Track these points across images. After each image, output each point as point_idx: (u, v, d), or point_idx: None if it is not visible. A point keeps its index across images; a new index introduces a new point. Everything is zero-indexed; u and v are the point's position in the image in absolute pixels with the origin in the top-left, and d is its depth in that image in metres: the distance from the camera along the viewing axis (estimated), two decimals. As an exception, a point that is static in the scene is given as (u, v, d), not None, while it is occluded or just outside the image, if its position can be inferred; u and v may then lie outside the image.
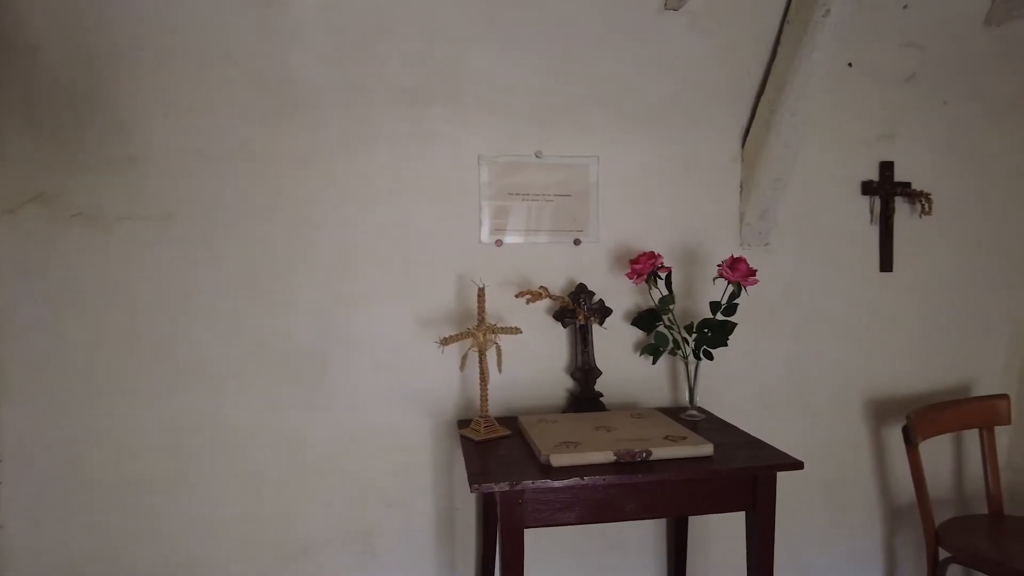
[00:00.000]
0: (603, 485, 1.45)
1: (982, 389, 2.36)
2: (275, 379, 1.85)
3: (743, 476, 1.53)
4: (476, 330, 1.74)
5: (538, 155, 1.98)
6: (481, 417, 1.76)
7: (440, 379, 1.94)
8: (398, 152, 1.88)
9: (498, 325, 1.78)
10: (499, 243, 1.98)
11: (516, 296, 1.88)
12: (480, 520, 1.98)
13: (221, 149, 1.77)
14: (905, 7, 2.03)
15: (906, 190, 2.21)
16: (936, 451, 2.30)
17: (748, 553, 1.58)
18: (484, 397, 1.77)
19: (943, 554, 2.03)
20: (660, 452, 1.52)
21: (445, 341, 1.73)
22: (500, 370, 1.77)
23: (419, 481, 1.95)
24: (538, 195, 2.00)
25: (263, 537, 1.86)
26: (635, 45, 1.97)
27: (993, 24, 2.13)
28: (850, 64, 2.09)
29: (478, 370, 1.77)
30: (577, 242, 2.03)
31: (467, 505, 1.99)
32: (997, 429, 2.22)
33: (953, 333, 2.34)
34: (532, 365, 1.99)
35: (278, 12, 1.78)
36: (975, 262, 2.34)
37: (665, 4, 1.92)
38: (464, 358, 1.76)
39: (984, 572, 1.95)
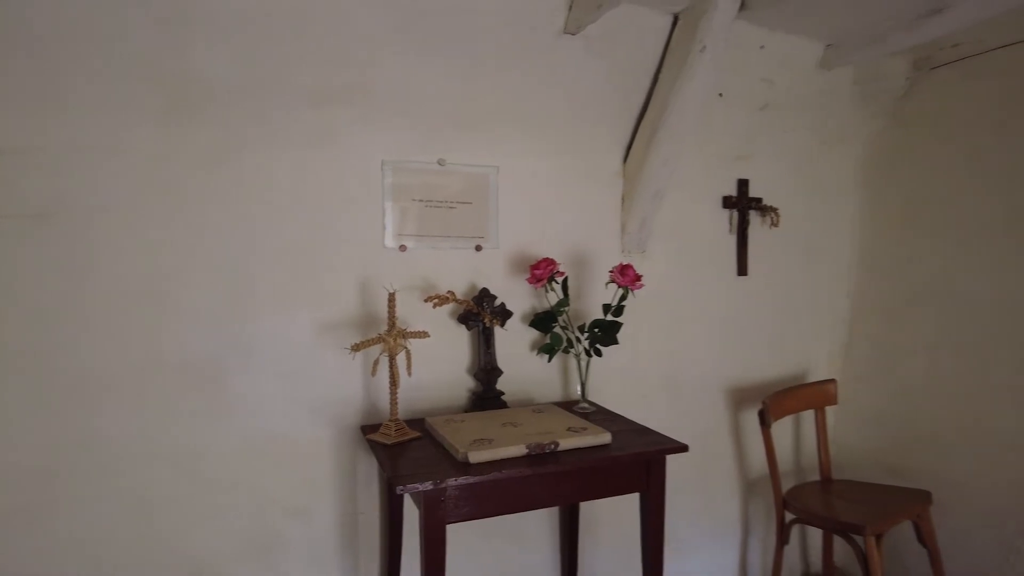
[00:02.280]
0: (519, 477, 1.55)
1: (815, 376, 2.78)
2: (166, 390, 1.73)
3: (638, 460, 1.70)
4: (387, 335, 1.77)
5: (441, 163, 2.03)
6: (391, 421, 1.78)
7: (342, 385, 1.93)
8: (302, 154, 1.84)
9: (407, 330, 1.83)
10: (403, 248, 2.01)
11: (425, 300, 1.92)
12: (385, 523, 2.00)
13: (109, 145, 1.63)
14: (762, 47, 2.34)
15: (758, 204, 2.55)
16: (781, 430, 2.67)
17: (643, 530, 1.75)
18: (394, 401, 1.80)
19: (789, 516, 2.37)
20: (566, 443, 1.65)
21: (356, 347, 1.74)
22: (410, 374, 1.81)
23: (322, 489, 1.93)
24: (441, 201, 2.05)
25: (155, 560, 1.74)
26: (536, 63, 2.10)
27: (826, 68, 2.51)
28: (720, 94, 2.37)
29: (388, 375, 1.80)
30: (479, 248, 2.11)
31: (371, 510, 1.99)
32: (828, 409, 2.64)
33: (795, 328, 2.73)
34: (436, 367, 2.04)
35: (180, 3, 1.68)
36: (811, 268, 2.75)
37: (565, 28, 2.07)
38: (376, 363, 1.78)
39: (819, 527, 2.32)
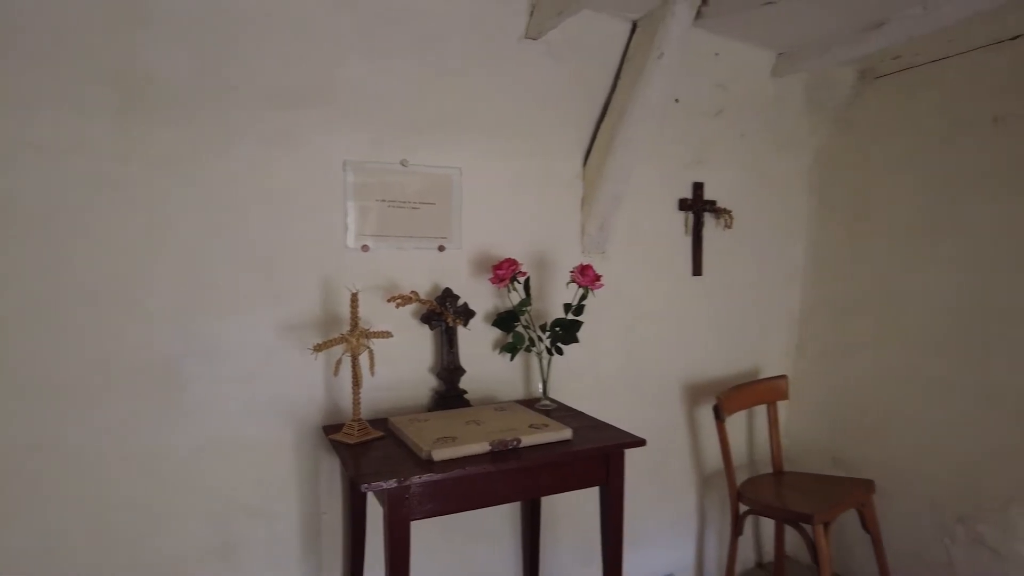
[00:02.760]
0: (482, 473, 1.58)
1: (768, 372, 2.88)
2: (125, 392, 1.70)
3: (597, 455, 1.75)
4: (349, 335, 1.78)
5: (404, 163, 2.05)
6: (354, 421, 1.80)
7: (304, 386, 1.93)
8: (264, 154, 1.83)
9: (370, 330, 1.84)
10: (365, 248, 2.01)
11: (388, 300, 1.93)
12: (347, 523, 2.00)
13: (64, 143, 1.59)
14: (717, 55, 2.42)
15: (713, 207, 2.63)
16: (735, 424, 2.77)
17: (603, 523, 1.80)
18: (357, 401, 1.81)
19: (743, 508, 2.46)
20: (528, 439, 1.69)
21: (319, 347, 1.75)
22: (373, 373, 1.82)
23: (284, 490, 1.92)
24: (404, 202, 2.07)
25: (114, 563, 1.71)
26: (498, 67, 2.13)
27: (778, 76, 2.61)
28: (677, 100, 2.44)
29: (350, 375, 1.81)
30: (441, 248, 2.13)
31: (334, 510, 2.00)
32: (779, 404, 2.74)
33: (748, 326, 2.83)
34: (399, 367, 2.06)
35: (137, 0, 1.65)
36: (763, 267, 2.85)
37: (526, 33, 2.10)
38: (338, 363, 1.78)
39: (771, 517, 2.42)
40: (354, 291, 1.80)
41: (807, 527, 2.25)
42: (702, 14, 2.05)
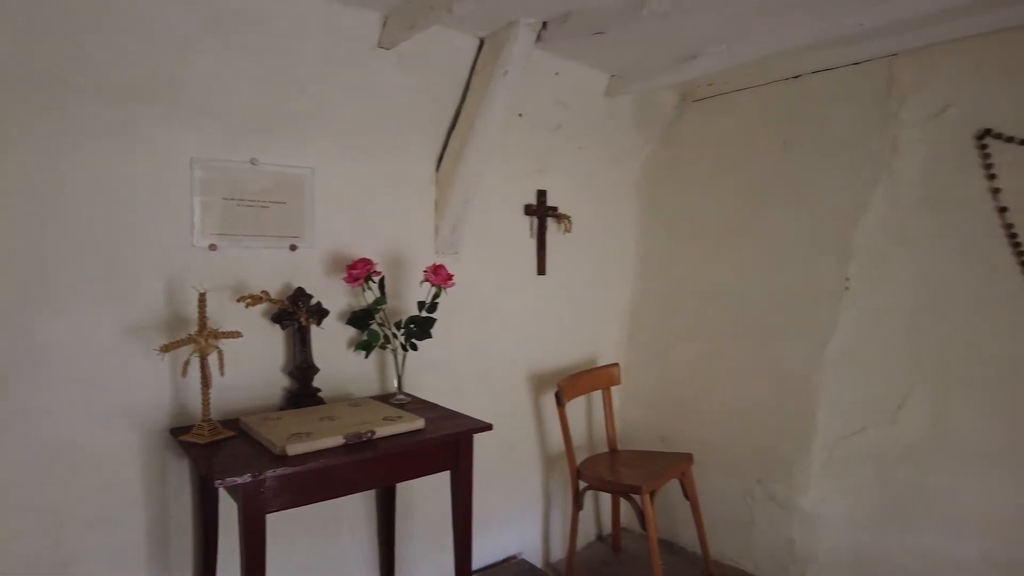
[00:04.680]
0: (337, 465, 1.65)
1: (604, 361, 3.19)
2: (-66, 403, 1.58)
3: (448, 441, 1.89)
4: (198, 335, 1.77)
5: (254, 162, 2.04)
6: (204, 421, 1.79)
7: (150, 388, 1.87)
8: (103, 149, 1.76)
9: (219, 330, 1.83)
10: (213, 247, 1.99)
11: (237, 300, 1.92)
12: (198, 525, 1.97)
13: None
14: (557, 74, 2.65)
15: (554, 212, 2.88)
16: (575, 409, 3.04)
17: (453, 505, 1.94)
18: (206, 402, 1.80)
19: (582, 485, 2.72)
20: (382, 431, 1.78)
21: (165, 348, 1.72)
22: (222, 373, 1.82)
23: (128, 497, 1.85)
24: (254, 201, 2.06)
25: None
26: (351, 73, 2.18)
27: (611, 95, 2.91)
28: (520, 115, 2.64)
29: (199, 375, 1.79)
30: (293, 247, 2.15)
31: (183, 514, 1.96)
32: (613, 389, 3.05)
33: (586, 320, 3.11)
34: (250, 367, 2.05)
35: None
36: (599, 267, 3.16)
37: (379, 43, 2.18)
38: (186, 364, 1.76)
39: (606, 491, 2.70)
40: (202, 291, 1.78)
41: (637, 498, 2.55)
42: (542, 37, 2.25)
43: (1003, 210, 2.22)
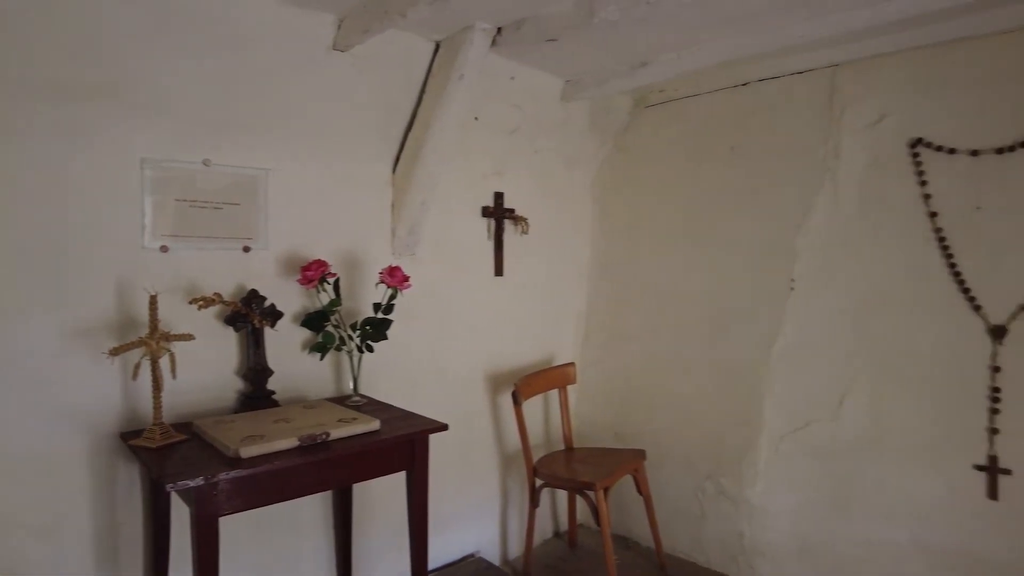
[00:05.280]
0: (291, 467, 1.66)
1: (560, 360, 3.24)
2: None
3: (403, 442, 1.91)
4: (149, 338, 1.75)
5: (207, 163, 2.03)
6: (156, 425, 1.77)
7: (97, 392, 1.84)
8: (50, 148, 1.72)
9: (171, 332, 1.81)
10: (164, 249, 1.97)
11: (190, 302, 1.90)
12: (149, 530, 1.94)
13: None
14: (512, 79, 2.69)
15: (511, 214, 2.92)
16: (533, 408, 3.08)
17: (409, 505, 1.96)
18: (158, 405, 1.78)
19: (539, 482, 2.77)
20: (337, 432, 1.79)
21: (115, 351, 1.70)
22: (175, 376, 1.80)
23: (75, 504, 1.82)
24: (207, 202, 2.04)
25: None
26: (306, 75, 2.18)
27: (566, 100, 2.96)
28: (476, 118, 2.67)
29: (151, 379, 1.77)
30: (247, 249, 2.13)
31: (133, 519, 1.93)
32: (569, 388, 3.11)
33: (543, 320, 3.16)
34: (203, 370, 2.03)
35: None
36: (555, 269, 3.21)
37: (334, 45, 2.18)
38: (137, 367, 1.74)
39: (562, 488, 2.75)
40: (153, 293, 1.76)
41: (591, 494, 2.60)
42: (497, 42, 2.29)
43: (933, 215, 2.35)
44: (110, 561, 1.89)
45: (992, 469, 2.22)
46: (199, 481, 1.48)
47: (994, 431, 2.22)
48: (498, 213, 2.87)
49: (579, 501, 3.10)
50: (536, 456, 2.92)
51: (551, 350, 3.23)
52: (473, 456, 2.89)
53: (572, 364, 3.15)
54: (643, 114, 3.19)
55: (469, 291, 2.81)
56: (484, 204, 2.83)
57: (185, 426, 1.88)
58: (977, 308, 2.26)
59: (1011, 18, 2.13)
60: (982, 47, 2.25)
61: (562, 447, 3.11)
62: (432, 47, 2.41)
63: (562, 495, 3.26)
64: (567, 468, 2.78)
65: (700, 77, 2.83)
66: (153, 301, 1.76)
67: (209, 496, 1.52)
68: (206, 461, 1.60)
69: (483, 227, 2.85)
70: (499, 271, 2.91)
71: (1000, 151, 2.21)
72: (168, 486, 1.45)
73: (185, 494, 1.55)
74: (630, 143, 3.25)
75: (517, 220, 2.93)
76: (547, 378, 2.99)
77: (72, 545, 1.82)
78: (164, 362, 1.78)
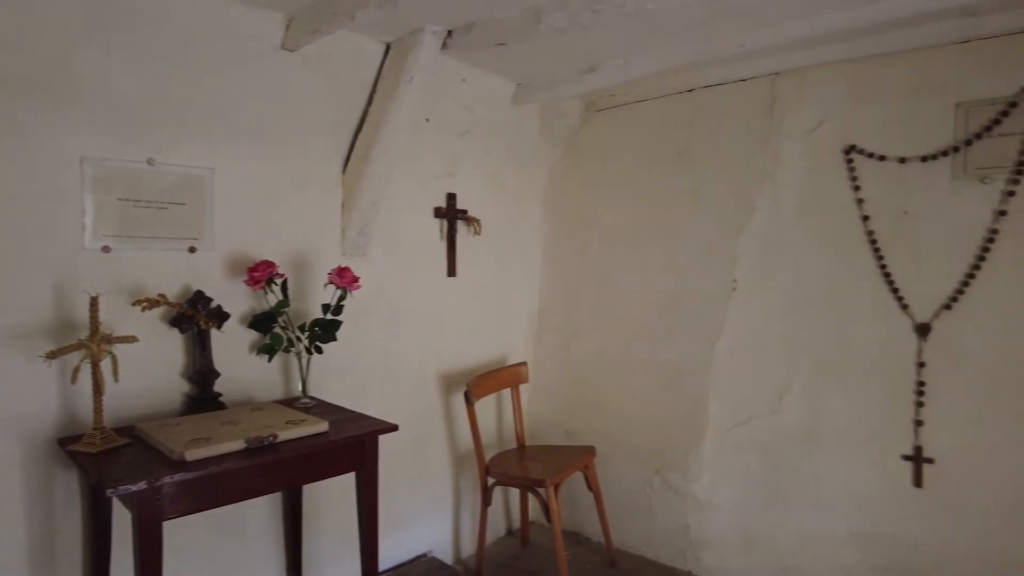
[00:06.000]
0: (238, 469, 1.65)
1: (513, 360, 3.28)
2: None
3: (353, 443, 1.92)
4: (89, 341, 1.71)
5: (151, 162, 1.99)
6: (96, 429, 1.73)
7: (33, 396, 1.79)
8: (-23, 146, 1.67)
9: (113, 334, 1.78)
10: (106, 249, 1.92)
11: (133, 304, 1.86)
12: (89, 537, 1.89)
13: None
14: (464, 81, 2.71)
15: (464, 215, 2.94)
16: (486, 407, 3.11)
17: (359, 506, 1.97)
18: (99, 409, 1.74)
19: (491, 481, 2.80)
20: (285, 434, 1.79)
21: (52, 354, 1.66)
22: (116, 379, 1.77)
23: (7, 513, 1.76)
24: (151, 202, 2.01)
25: None
26: (254, 74, 2.16)
27: (517, 103, 3.00)
28: (428, 119, 2.68)
29: (91, 382, 1.73)
30: (192, 249, 2.10)
31: (71, 527, 1.88)
32: (521, 387, 3.15)
33: (495, 320, 3.20)
34: (147, 372, 1.99)
35: None
36: (508, 269, 3.24)
37: (283, 44, 2.17)
38: (76, 370, 1.70)
39: (513, 486, 2.78)
40: (93, 295, 1.73)
41: (542, 491, 2.65)
42: (448, 44, 2.31)
43: (866, 218, 2.47)
44: (47, 570, 1.84)
45: (917, 459, 2.36)
46: (141, 485, 1.46)
47: (919, 423, 2.35)
48: (451, 214, 2.89)
49: (531, 499, 3.14)
50: (489, 455, 2.95)
51: (504, 350, 3.27)
52: (425, 456, 2.90)
53: (524, 363, 3.19)
54: (594, 118, 3.25)
55: (422, 292, 2.82)
56: (437, 205, 2.85)
57: (128, 430, 1.85)
58: (905, 307, 2.38)
59: (937, 34, 2.26)
60: (910, 61, 2.38)
61: (515, 446, 3.14)
62: (383, 48, 2.41)
63: (515, 493, 3.30)
64: (519, 466, 2.82)
65: (648, 83, 2.91)
66: (94, 302, 1.72)
67: (152, 500, 1.50)
68: (150, 465, 1.58)
69: (436, 228, 2.87)
70: (452, 272, 2.93)
71: (924, 159, 2.34)
72: (109, 491, 1.42)
73: (127, 499, 1.53)
74: (581, 146, 3.31)
75: (470, 221, 2.96)
76: (499, 378, 3.03)
77: (4, 556, 1.76)
78: (106, 365, 1.74)
